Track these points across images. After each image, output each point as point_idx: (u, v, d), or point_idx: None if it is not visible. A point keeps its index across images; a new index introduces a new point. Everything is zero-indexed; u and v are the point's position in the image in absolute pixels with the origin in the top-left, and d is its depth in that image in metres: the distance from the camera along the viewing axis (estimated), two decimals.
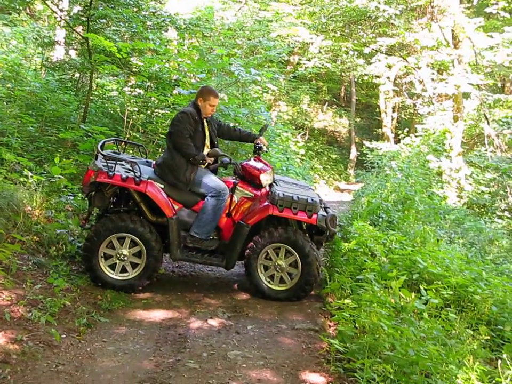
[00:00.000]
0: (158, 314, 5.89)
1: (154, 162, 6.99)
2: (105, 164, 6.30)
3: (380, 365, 4.33)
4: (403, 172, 15.80)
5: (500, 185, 18.81)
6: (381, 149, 23.12)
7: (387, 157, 20.59)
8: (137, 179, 6.25)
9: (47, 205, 7.59)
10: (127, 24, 11.69)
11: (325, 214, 6.68)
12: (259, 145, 7.30)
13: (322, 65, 25.65)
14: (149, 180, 6.36)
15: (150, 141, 10.82)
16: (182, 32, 13.42)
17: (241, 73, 11.02)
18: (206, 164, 6.68)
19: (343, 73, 31.20)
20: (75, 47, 15.69)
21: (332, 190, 25.42)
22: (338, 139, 34.54)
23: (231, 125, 7.48)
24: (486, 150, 19.87)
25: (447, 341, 4.84)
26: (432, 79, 20.79)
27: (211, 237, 6.67)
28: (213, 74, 11.97)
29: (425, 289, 6.00)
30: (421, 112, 22.93)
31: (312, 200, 6.51)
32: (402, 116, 32.82)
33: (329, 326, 5.96)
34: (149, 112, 11.82)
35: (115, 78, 14.12)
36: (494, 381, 4.40)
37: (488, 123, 19.61)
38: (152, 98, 11.45)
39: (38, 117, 10.37)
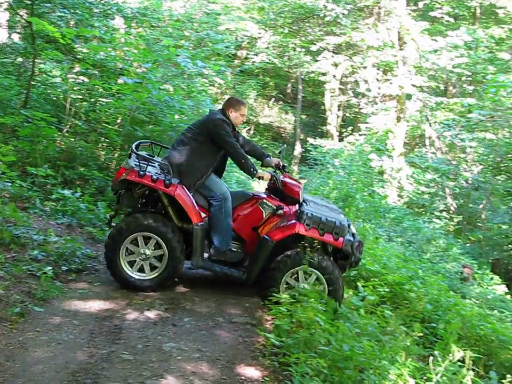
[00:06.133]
0: (94, 305, 5.80)
1: None
2: (137, 163, 6.23)
3: (314, 359, 4.38)
4: (345, 169, 16.00)
5: (439, 186, 19.27)
6: (324, 146, 23.27)
7: (330, 154, 20.73)
8: (167, 181, 6.16)
9: None
10: (72, 10, 11.48)
11: (352, 239, 6.39)
12: (283, 164, 7.18)
13: (270, 60, 25.70)
14: (179, 184, 6.27)
15: (92, 129, 10.68)
16: (129, 21, 13.27)
17: (188, 65, 10.98)
18: (260, 178, 6.55)
19: (290, 70, 31.27)
20: (18, 30, 15.35)
21: None
22: (283, 135, 34.63)
23: (246, 137, 7.32)
24: (427, 151, 20.32)
25: (381, 337, 4.93)
26: (377, 79, 21.11)
27: (234, 249, 6.56)
28: (159, 64, 11.86)
29: (362, 286, 6.09)
30: (364, 112, 23.25)
31: (340, 223, 6.28)
32: (347, 114, 33.10)
33: (266, 320, 5.99)
34: (92, 100, 11.66)
35: (59, 64, 13.86)
36: (425, 377, 4.50)
37: (429, 125, 20.03)
38: (96, 86, 11.30)
39: None
